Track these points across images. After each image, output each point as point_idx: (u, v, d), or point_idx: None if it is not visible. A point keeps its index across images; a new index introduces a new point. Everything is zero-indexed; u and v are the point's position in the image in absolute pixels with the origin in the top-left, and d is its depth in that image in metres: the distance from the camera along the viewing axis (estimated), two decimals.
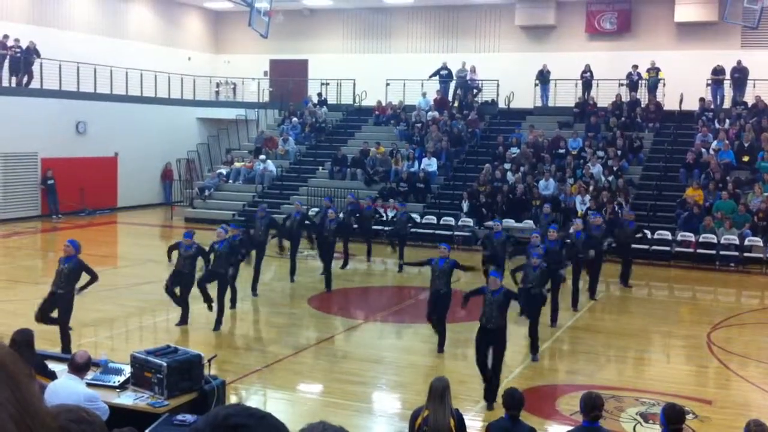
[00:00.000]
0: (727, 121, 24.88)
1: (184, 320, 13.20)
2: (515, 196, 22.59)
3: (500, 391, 8.90)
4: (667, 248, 20.52)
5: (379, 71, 30.52)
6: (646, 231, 19.74)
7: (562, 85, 27.91)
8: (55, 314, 11.10)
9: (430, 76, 29.42)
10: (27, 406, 1.21)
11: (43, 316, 11.03)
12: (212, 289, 13.29)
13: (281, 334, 13.43)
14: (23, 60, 25.74)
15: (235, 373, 10.79)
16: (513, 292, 10.51)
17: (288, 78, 33.49)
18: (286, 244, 17.24)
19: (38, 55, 26.01)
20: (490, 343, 9.93)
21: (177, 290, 13.14)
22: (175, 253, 13.28)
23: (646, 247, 20.07)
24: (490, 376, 9.86)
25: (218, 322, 13.15)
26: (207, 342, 12.56)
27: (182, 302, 13.18)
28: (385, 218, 22.10)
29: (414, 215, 22.86)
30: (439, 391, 6.36)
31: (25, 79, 26.07)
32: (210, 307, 13.25)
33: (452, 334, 12.67)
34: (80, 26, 29.56)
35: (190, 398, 7.37)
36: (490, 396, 9.71)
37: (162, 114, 30.54)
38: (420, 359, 12.03)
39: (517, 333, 12.27)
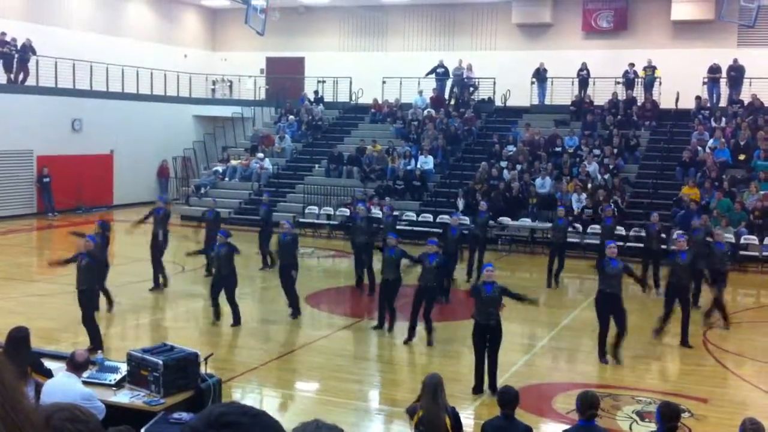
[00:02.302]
0: (723, 119, 24.89)
1: (236, 321, 13.23)
2: (511, 195, 22.58)
3: (498, 386, 8.95)
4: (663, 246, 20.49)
5: (376, 69, 30.51)
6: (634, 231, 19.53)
7: (558, 83, 27.91)
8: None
9: (427, 74, 29.41)
10: (13, 403, 1.21)
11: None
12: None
13: (277, 332, 13.42)
14: (19, 57, 25.67)
15: (232, 371, 10.78)
16: (506, 288, 10.47)
17: (284, 76, 33.47)
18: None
19: (34, 53, 25.95)
20: (490, 338, 9.99)
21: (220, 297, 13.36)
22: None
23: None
24: (486, 372, 9.94)
25: (297, 308, 13.88)
26: (203, 340, 12.55)
27: (231, 304, 13.19)
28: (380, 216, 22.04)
29: (410, 213, 22.91)
30: (432, 388, 6.35)
31: (20, 77, 26.01)
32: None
33: (446, 332, 12.69)
34: (76, 23, 29.48)
35: (186, 396, 7.36)
36: (491, 386, 9.87)
37: (158, 111, 30.50)
38: (415, 357, 12.03)
39: (512, 331, 12.29)
